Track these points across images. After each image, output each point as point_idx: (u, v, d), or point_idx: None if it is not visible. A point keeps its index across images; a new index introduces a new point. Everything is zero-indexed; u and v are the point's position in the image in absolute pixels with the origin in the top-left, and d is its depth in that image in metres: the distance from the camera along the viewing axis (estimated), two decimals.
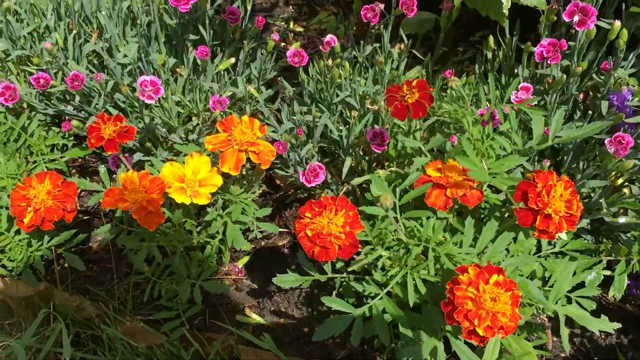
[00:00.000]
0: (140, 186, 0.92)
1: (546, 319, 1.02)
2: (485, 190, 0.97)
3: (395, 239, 0.86)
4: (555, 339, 1.12)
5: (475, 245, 0.83)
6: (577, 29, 0.92)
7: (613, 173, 1.12)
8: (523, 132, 1.06)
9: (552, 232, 0.78)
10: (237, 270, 1.19)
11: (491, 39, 1.21)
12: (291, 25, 1.85)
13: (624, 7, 1.13)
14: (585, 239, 1.07)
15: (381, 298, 0.85)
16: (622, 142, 0.88)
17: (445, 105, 0.88)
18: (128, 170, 0.99)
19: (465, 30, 1.72)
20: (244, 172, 1.12)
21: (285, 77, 1.39)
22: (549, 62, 0.96)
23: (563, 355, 1.10)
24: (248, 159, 0.98)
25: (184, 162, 0.98)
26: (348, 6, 1.88)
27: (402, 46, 1.25)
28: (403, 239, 0.84)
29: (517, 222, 0.81)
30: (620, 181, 1.10)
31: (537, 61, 0.99)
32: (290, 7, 1.94)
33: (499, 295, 0.71)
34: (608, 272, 0.97)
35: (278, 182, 1.35)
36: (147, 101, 1.01)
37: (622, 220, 0.96)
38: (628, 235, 1.01)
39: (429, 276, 0.81)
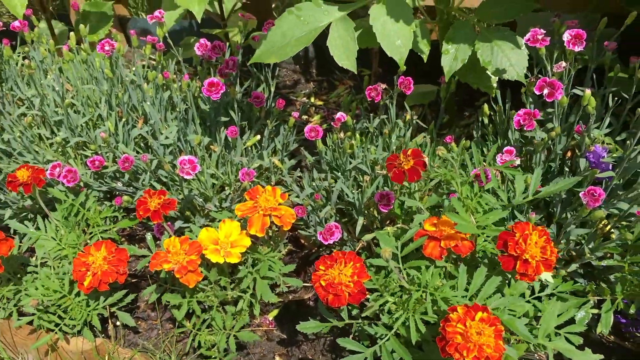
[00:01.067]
0: (181, 249, 1.09)
1: (544, 356, 1.12)
2: (485, 240, 1.10)
3: (398, 286, 0.99)
4: None
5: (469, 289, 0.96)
6: (547, 100, 1.08)
7: (603, 221, 1.24)
8: (511, 189, 1.19)
9: (531, 274, 0.90)
10: (267, 322, 1.33)
11: (485, 106, 1.36)
12: (312, 100, 2.05)
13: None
14: (577, 282, 1.19)
15: (389, 338, 0.98)
16: (595, 194, 1.01)
17: (437, 170, 1.03)
18: (171, 236, 1.16)
19: (470, 96, 1.89)
20: (270, 234, 1.28)
21: (306, 147, 1.58)
22: (525, 129, 1.11)
23: None
24: (273, 222, 1.15)
25: (218, 228, 1.15)
26: (362, 80, 2.07)
27: (407, 116, 1.42)
28: (405, 286, 0.98)
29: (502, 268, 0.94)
30: (608, 228, 1.22)
31: (516, 129, 1.14)
32: (311, 83, 2.15)
33: (483, 330, 0.83)
34: (596, 311, 1.08)
35: (302, 241, 1.50)
36: (186, 177, 1.19)
37: (603, 263, 1.08)
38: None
39: (427, 317, 0.93)
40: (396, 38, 1.15)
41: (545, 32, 1.11)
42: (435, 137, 1.49)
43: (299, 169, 1.55)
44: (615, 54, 1.38)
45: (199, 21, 1.30)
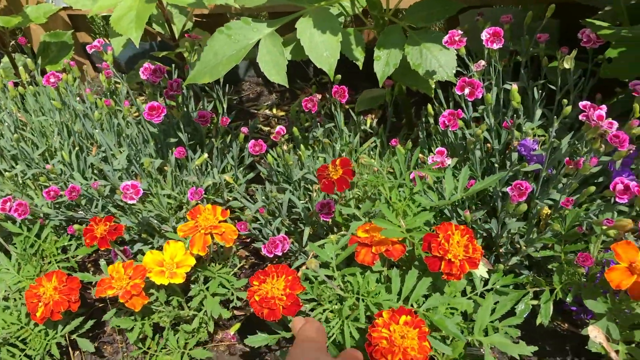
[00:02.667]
0: (125, 274, 1.11)
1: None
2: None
3: (335, 294, 1.01)
4: None
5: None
6: (469, 99, 1.09)
7: (546, 212, 1.26)
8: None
9: (456, 273, 0.92)
10: (229, 336, 1.35)
11: (430, 106, 1.38)
12: (274, 111, 2.07)
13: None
14: (522, 274, 1.20)
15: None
16: (521, 188, 1.03)
17: (366, 177, 1.05)
18: (124, 261, 1.19)
19: (427, 97, 1.91)
20: (222, 251, 1.30)
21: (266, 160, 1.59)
22: (450, 129, 1.13)
23: None
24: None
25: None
26: (324, 87, 2.09)
27: (368, 119, 1.43)
28: (340, 293, 0.99)
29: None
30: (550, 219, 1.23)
31: (442, 129, 1.15)
32: (274, 94, 2.18)
33: (407, 333, 0.84)
34: (536, 302, 1.09)
35: (262, 254, 1.52)
36: (129, 202, 1.21)
37: (540, 254, 1.09)
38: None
39: (360, 323, 0.95)
40: (324, 49, 1.17)
41: (462, 32, 1.12)
42: (385, 141, 1.51)
43: (259, 181, 1.57)
44: (554, 45, 1.40)
45: (137, 46, 1.32)
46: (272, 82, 2.23)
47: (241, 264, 1.48)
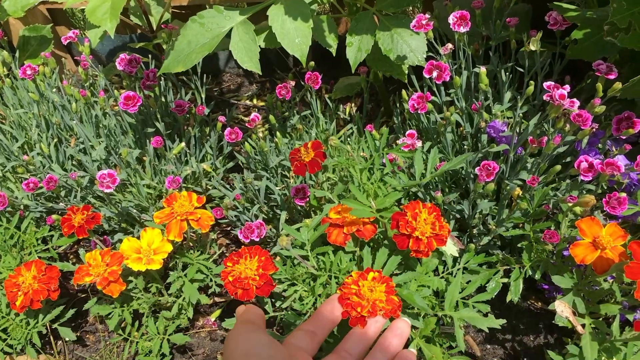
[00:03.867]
0: (102, 262, 1.13)
1: (462, 328, 1.16)
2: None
3: (307, 272, 1.03)
4: (488, 346, 1.26)
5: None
6: (437, 82, 1.11)
7: (517, 192, 1.28)
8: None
9: (424, 250, 0.94)
10: (210, 323, 1.36)
11: (404, 92, 1.40)
12: (255, 102, 2.08)
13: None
14: (493, 254, 1.22)
15: None
16: (489, 168, 1.05)
17: (336, 159, 1.07)
18: (102, 249, 1.20)
19: (402, 85, 1.93)
20: (200, 238, 1.31)
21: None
22: (419, 112, 1.15)
23: None
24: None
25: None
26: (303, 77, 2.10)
27: (347, 108, 1.45)
28: (313, 272, 1.01)
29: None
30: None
31: (411, 112, 1.17)
32: (254, 85, 2.19)
33: (374, 287, 0.85)
34: (506, 280, 1.12)
35: (241, 241, 1.54)
36: (106, 190, 1.22)
37: (509, 234, 1.12)
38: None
39: None
40: (295, 36, 1.19)
41: (429, 17, 1.14)
42: (361, 127, 1.53)
43: (240, 170, 1.58)
44: (525, 28, 1.42)
45: (112, 37, 1.33)
46: (252, 73, 2.25)
47: (221, 251, 1.50)
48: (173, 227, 1.15)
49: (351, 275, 0.89)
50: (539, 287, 1.25)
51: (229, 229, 1.60)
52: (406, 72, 1.35)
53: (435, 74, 1.11)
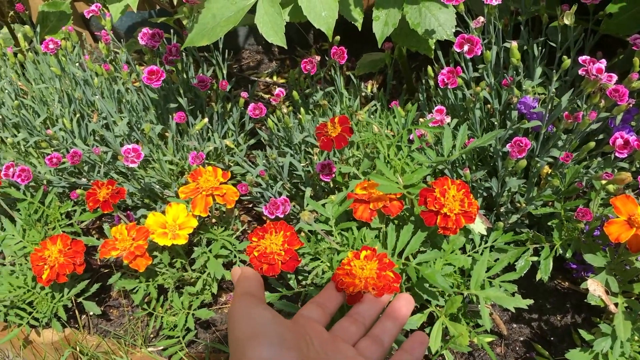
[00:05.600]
0: (129, 236, 1.12)
1: (490, 307, 1.14)
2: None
3: (329, 248, 1.02)
4: (514, 325, 1.24)
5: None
6: (468, 56, 1.09)
7: (546, 170, 1.26)
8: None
9: (452, 227, 0.92)
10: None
11: (430, 68, 1.38)
12: (275, 79, 2.06)
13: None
14: (522, 232, 1.21)
15: None
16: (521, 145, 1.03)
17: (363, 134, 1.05)
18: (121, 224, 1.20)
19: (428, 61, 1.90)
20: (224, 215, 1.31)
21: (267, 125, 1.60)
22: (449, 87, 1.12)
23: (522, 339, 1.22)
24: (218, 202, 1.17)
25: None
26: (326, 53, 2.08)
27: (369, 86, 1.43)
28: (336, 247, 1.00)
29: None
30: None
31: (440, 87, 1.15)
32: (274, 62, 2.16)
33: (365, 265, 0.83)
34: (536, 259, 1.10)
35: (264, 218, 1.53)
36: (131, 165, 1.21)
37: (540, 212, 1.09)
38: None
39: None
40: (322, 9, 1.16)
41: None
42: (385, 104, 1.50)
43: (262, 147, 1.57)
44: (555, 3, 1.38)
45: (136, 11, 1.31)
46: (272, 50, 2.23)
47: (243, 228, 1.49)
48: (198, 203, 1.14)
49: (347, 256, 0.87)
50: (567, 267, 1.23)
51: (250, 206, 1.59)
52: (433, 47, 1.33)
53: (466, 47, 1.08)
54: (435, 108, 1.17)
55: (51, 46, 1.42)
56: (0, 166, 1.49)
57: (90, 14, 1.40)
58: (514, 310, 1.19)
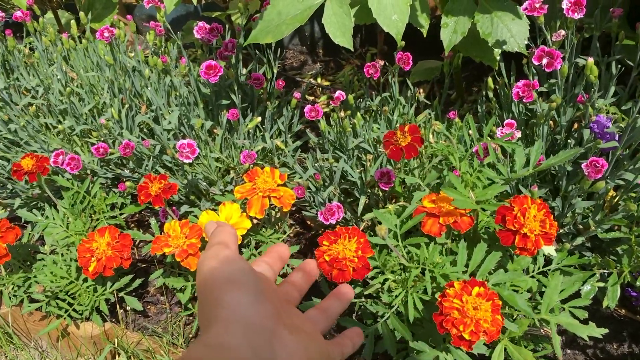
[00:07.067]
0: (181, 233, 1.09)
1: (549, 331, 1.10)
2: (489, 217, 1.09)
3: (398, 263, 0.98)
4: (569, 350, 1.20)
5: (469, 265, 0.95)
6: (546, 70, 1.05)
7: (610, 193, 1.22)
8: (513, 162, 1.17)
9: (531, 248, 0.88)
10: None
11: (490, 80, 1.34)
12: (319, 80, 2.03)
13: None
14: (584, 255, 1.16)
15: (389, 317, 0.97)
16: (597, 165, 0.99)
17: (435, 145, 1.02)
18: (174, 220, 1.17)
19: (480, 71, 1.86)
20: (276, 215, 1.27)
21: (313, 128, 1.57)
22: (524, 100, 1.08)
23: None
24: (273, 204, 1.14)
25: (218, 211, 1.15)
26: (371, 59, 2.05)
27: (418, 94, 1.39)
28: (405, 263, 0.97)
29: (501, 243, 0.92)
30: (615, 200, 1.19)
31: (516, 100, 1.11)
32: (318, 63, 2.14)
33: (480, 305, 0.82)
34: (602, 284, 1.06)
35: (309, 222, 1.50)
36: (185, 160, 1.19)
37: (609, 236, 1.05)
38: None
39: (425, 295, 0.92)
40: (392, 12, 1.13)
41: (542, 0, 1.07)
42: (439, 113, 1.47)
43: (307, 150, 1.54)
44: (622, 20, 1.34)
45: (195, 4, 1.29)
46: (316, 51, 2.20)
47: (289, 232, 1.46)
48: (254, 204, 1.11)
49: (453, 286, 0.85)
50: (625, 294, 1.19)
51: (293, 209, 1.56)
52: (498, 58, 1.29)
53: (545, 61, 1.04)
54: (505, 122, 1.13)
55: (106, 34, 1.40)
56: (45, 152, 1.48)
57: (150, 4, 1.38)
58: (586, 339, 1.14)
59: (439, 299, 0.85)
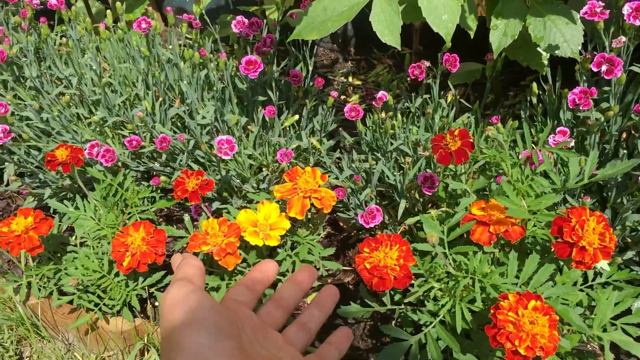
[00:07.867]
0: (220, 231, 1.07)
1: (597, 347, 1.07)
2: (535, 226, 1.05)
3: (445, 272, 0.95)
4: None
5: (519, 276, 0.92)
6: (606, 77, 1.01)
7: None
8: (565, 171, 1.13)
9: (588, 262, 0.85)
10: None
11: (534, 85, 1.30)
12: (350, 79, 2.00)
13: None
14: (632, 270, 1.13)
15: (434, 326, 0.94)
16: None
17: (486, 151, 0.98)
18: (208, 217, 1.14)
19: (517, 75, 1.82)
20: (309, 216, 1.25)
21: (345, 128, 1.54)
22: (580, 108, 1.05)
23: None
24: (312, 205, 1.11)
25: (256, 209, 1.12)
26: (403, 58, 2.01)
27: (450, 96, 1.36)
28: (452, 272, 0.94)
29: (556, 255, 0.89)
30: None
31: (571, 107, 1.07)
32: (349, 62, 2.10)
33: (537, 319, 0.79)
34: None
35: (341, 224, 1.47)
36: (224, 157, 1.16)
37: None
38: None
39: (474, 306, 0.89)
40: (443, 12, 1.10)
41: (603, 4, 1.03)
42: (479, 117, 1.43)
43: (337, 150, 1.51)
44: None
45: None
46: (347, 49, 2.17)
47: (325, 232, 1.43)
48: (295, 204, 1.08)
49: (507, 298, 0.81)
50: None
51: None
52: (546, 63, 1.25)
53: (604, 68, 1.00)
54: (558, 129, 1.09)
55: (144, 25, 1.38)
56: (77, 143, 1.46)
57: None
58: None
59: (492, 311, 0.82)
